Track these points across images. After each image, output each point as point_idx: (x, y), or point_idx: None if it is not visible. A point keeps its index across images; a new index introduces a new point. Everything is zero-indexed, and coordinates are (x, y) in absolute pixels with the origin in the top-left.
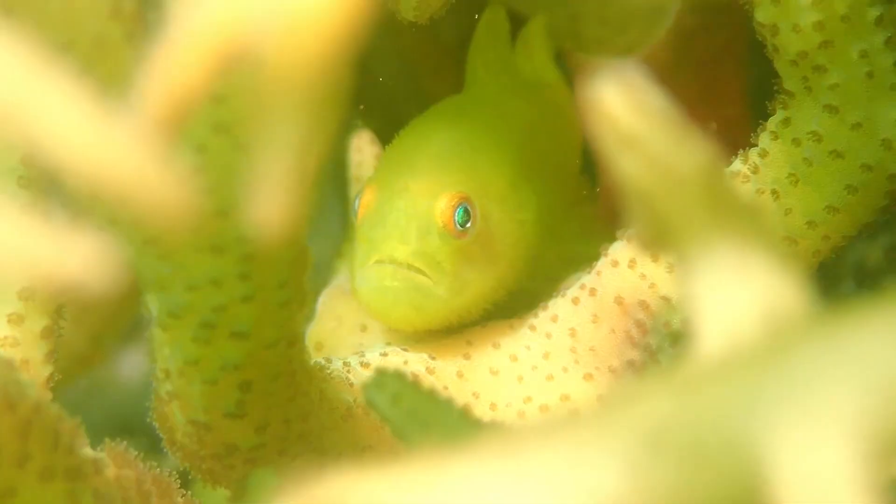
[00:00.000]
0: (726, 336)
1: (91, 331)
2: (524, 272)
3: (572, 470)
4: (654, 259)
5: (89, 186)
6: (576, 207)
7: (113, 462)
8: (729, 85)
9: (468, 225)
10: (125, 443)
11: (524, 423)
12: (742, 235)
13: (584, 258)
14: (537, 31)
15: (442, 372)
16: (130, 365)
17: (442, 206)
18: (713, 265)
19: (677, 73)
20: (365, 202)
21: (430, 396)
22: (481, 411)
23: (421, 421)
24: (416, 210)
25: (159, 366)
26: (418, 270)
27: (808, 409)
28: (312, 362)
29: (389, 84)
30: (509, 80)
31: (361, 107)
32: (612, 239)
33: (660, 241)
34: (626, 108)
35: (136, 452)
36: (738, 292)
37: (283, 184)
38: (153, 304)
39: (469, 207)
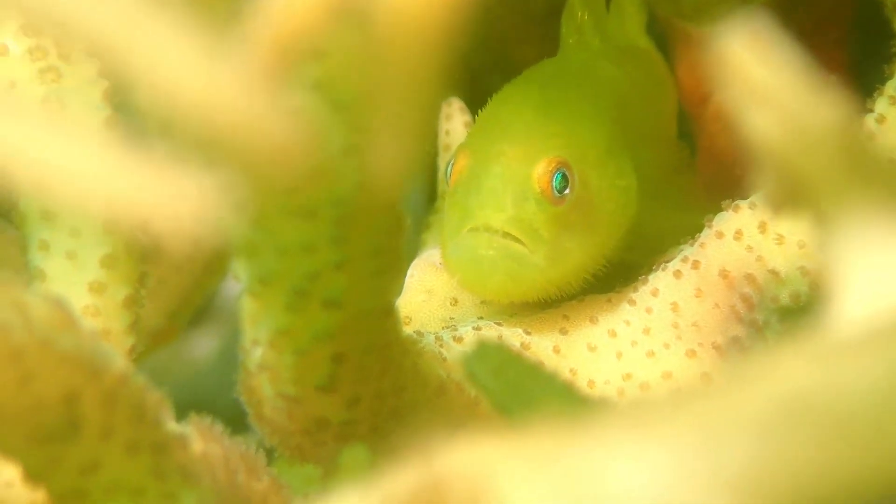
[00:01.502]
0: (871, 304)
1: (166, 306)
2: (623, 241)
3: (705, 443)
4: (763, 230)
5: (187, 132)
6: (675, 175)
7: (200, 437)
8: (832, 54)
9: (566, 191)
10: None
11: (646, 397)
12: (884, 198)
13: (686, 228)
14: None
15: (537, 347)
16: (202, 345)
17: (539, 172)
18: (855, 228)
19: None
20: (458, 168)
21: (534, 369)
22: (579, 388)
23: (524, 395)
24: (513, 175)
25: (248, 336)
26: (515, 238)
27: None
28: (405, 335)
29: (477, 53)
30: (603, 45)
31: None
32: (713, 208)
33: (794, 201)
34: (757, 62)
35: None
36: (883, 258)
37: (382, 147)
38: (243, 271)
39: (567, 173)
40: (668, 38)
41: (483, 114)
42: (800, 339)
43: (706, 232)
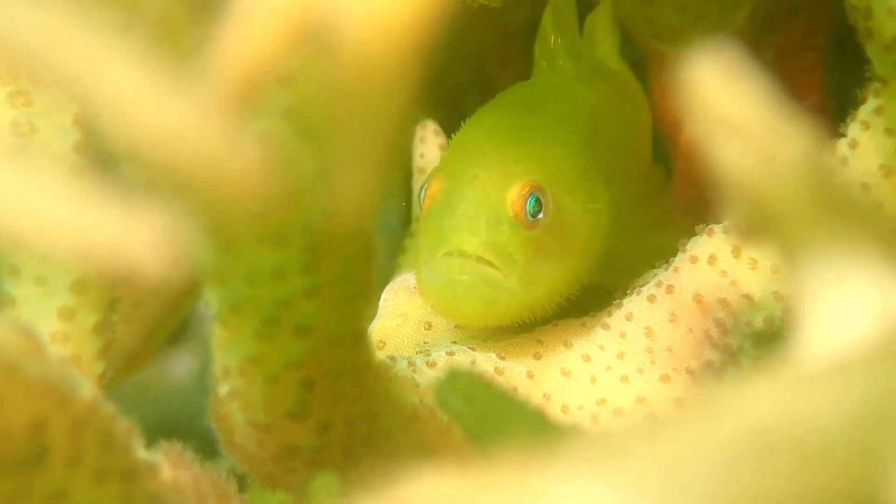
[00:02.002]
0: (837, 336)
1: (141, 328)
2: (598, 265)
3: (670, 476)
4: (737, 254)
5: (151, 165)
6: (650, 198)
7: (169, 464)
8: (810, 76)
9: (540, 215)
10: (180, 445)
11: (612, 426)
12: (851, 229)
13: (660, 251)
14: (604, 17)
15: (511, 372)
16: (179, 365)
17: (513, 196)
18: (821, 260)
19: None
20: (432, 192)
21: (505, 397)
22: (552, 414)
23: (495, 422)
24: (487, 200)
25: (218, 363)
26: (489, 263)
27: None
28: (378, 361)
29: (454, 73)
30: (577, 68)
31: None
32: (688, 231)
33: (760, 232)
34: (724, 90)
35: (192, 455)
36: (848, 290)
37: (352, 173)
38: (213, 299)
39: (541, 196)
40: (643, 60)
41: (456, 138)
42: (766, 369)
43: (680, 256)
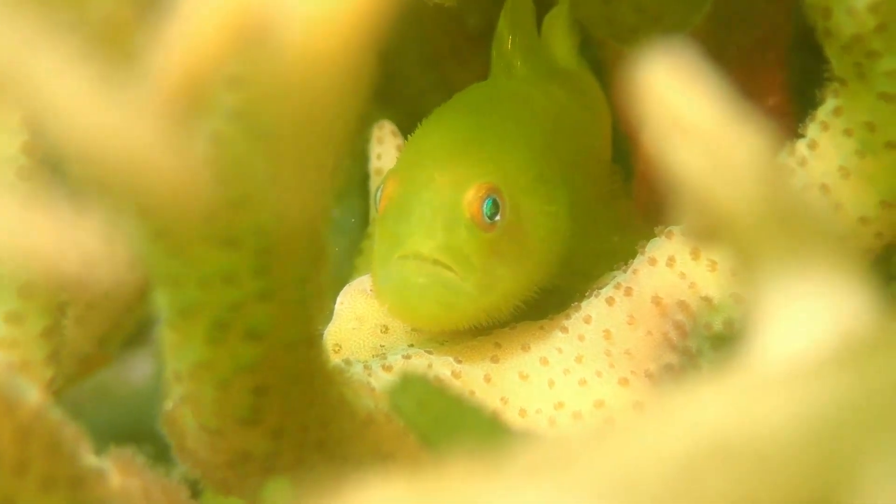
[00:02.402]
0: (790, 343)
1: (95, 331)
2: (556, 267)
3: (622, 483)
4: (696, 256)
5: (95, 170)
6: (609, 200)
7: (118, 470)
8: (771, 75)
9: (497, 217)
10: (131, 450)
11: (562, 432)
12: (804, 233)
13: (619, 253)
14: (561, 18)
15: (468, 376)
16: (137, 369)
17: (469, 198)
18: (774, 265)
19: (715, 63)
20: (387, 194)
21: (459, 402)
22: (510, 418)
23: (449, 428)
24: (443, 202)
25: (169, 368)
26: (445, 266)
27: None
28: (331, 365)
29: (411, 73)
30: (535, 68)
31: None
32: (647, 233)
33: (711, 235)
34: (676, 91)
35: (143, 460)
36: (801, 297)
37: (302, 175)
38: (163, 303)
39: (497, 199)
40: (604, 60)
41: (412, 139)
42: (721, 375)
43: (639, 258)
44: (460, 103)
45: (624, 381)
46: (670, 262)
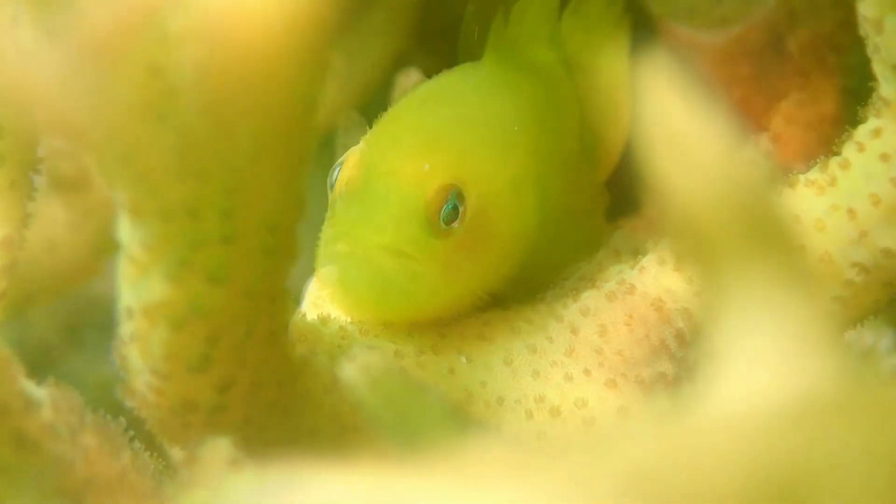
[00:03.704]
0: (742, 385)
1: (88, 241)
2: (512, 278)
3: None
4: (681, 268)
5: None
6: (586, 216)
7: (52, 404)
8: (828, 78)
9: (455, 223)
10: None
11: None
12: (776, 266)
13: (587, 272)
14: (534, 7)
15: (450, 352)
16: None
17: (429, 198)
18: (745, 297)
19: (773, 57)
20: (345, 176)
21: (415, 387)
22: (485, 404)
23: (400, 412)
24: (401, 197)
25: (122, 302)
26: (392, 264)
27: None
28: (303, 321)
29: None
30: (541, 57)
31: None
32: (622, 258)
33: (687, 250)
34: (678, 102)
35: (105, 395)
36: (763, 337)
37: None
38: (125, 232)
39: (459, 202)
40: (656, 37)
41: (383, 119)
42: (665, 412)
43: (649, 256)
44: (443, 86)
45: (611, 384)
46: (680, 266)
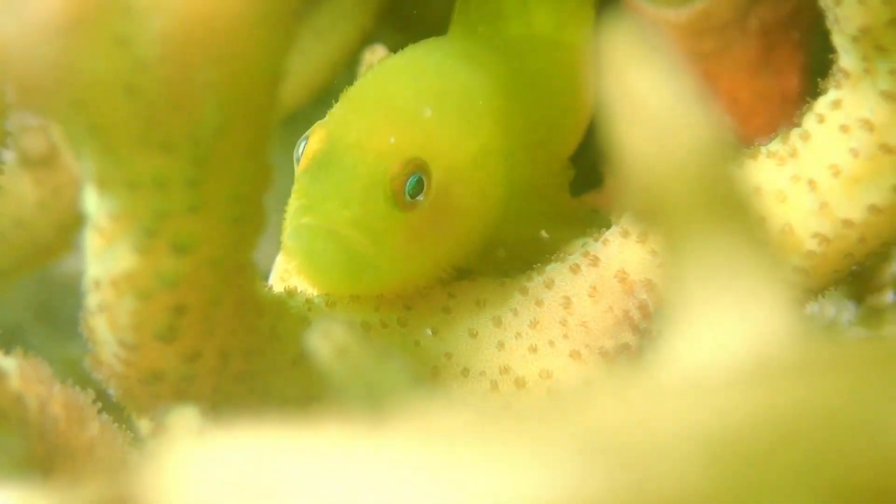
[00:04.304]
0: (701, 350)
1: (57, 218)
2: (479, 250)
3: (497, 473)
4: (644, 240)
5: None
6: (552, 189)
7: (21, 375)
8: (792, 54)
9: (420, 196)
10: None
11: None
12: (738, 237)
13: (554, 244)
14: None
15: (415, 325)
16: None
17: (394, 172)
18: (702, 263)
19: (737, 32)
20: (310, 150)
21: (380, 356)
22: (450, 375)
23: (364, 381)
24: (365, 172)
25: (89, 273)
26: (355, 238)
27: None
28: (270, 293)
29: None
30: (499, 33)
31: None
32: (587, 230)
33: (648, 220)
34: (639, 69)
35: (73, 371)
36: (723, 304)
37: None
38: (92, 204)
39: (423, 177)
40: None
41: (349, 91)
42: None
43: (613, 229)
44: (409, 61)
45: (576, 355)
46: (642, 237)
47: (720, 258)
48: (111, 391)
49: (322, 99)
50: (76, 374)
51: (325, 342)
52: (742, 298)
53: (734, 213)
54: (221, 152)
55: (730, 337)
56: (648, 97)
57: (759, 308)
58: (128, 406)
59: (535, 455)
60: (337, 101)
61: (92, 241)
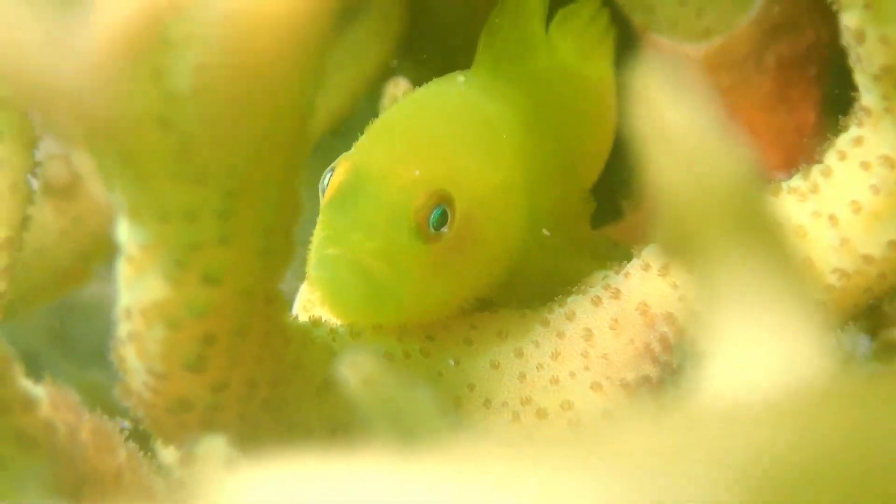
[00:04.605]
0: (737, 380)
1: (78, 247)
2: (501, 282)
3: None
4: (666, 273)
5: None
6: (573, 221)
7: (50, 402)
8: (808, 89)
9: (444, 228)
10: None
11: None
12: (773, 269)
13: (574, 277)
14: (585, 12)
15: (438, 355)
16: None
17: (418, 204)
18: (734, 293)
19: (753, 68)
20: (336, 181)
21: (408, 387)
22: (473, 406)
23: (392, 411)
24: (391, 203)
25: (121, 303)
26: (380, 269)
27: None
28: (295, 323)
29: (447, 31)
30: (525, 67)
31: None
32: (607, 263)
33: (680, 249)
34: (669, 101)
35: (91, 398)
36: (752, 331)
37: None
38: (123, 234)
39: (448, 209)
40: (640, 49)
41: (375, 124)
42: (660, 407)
43: (634, 262)
44: (434, 94)
45: (597, 386)
46: (664, 271)
47: (752, 287)
48: (140, 419)
49: (342, 129)
50: (94, 403)
51: (354, 372)
52: (775, 328)
53: (766, 242)
54: (252, 185)
55: (764, 366)
56: (679, 128)
57: (792, 338)
58: (155, 434)
59: (573, 480)
60: (358, 132)
61: (123, 271)
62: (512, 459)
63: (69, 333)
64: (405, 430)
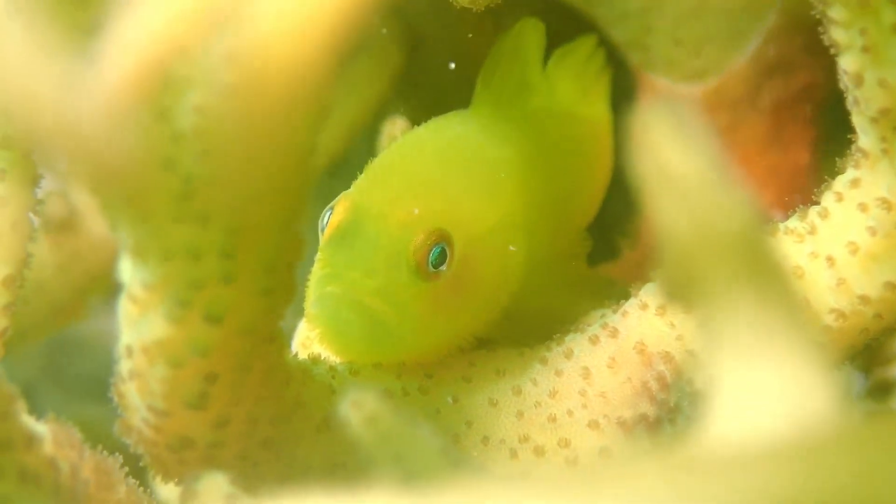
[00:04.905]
0: (736, 422)
1: (75, 282)
2: (496, 322)
3: None
4: (663, 313)
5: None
6: (570, 259)
7: (53, 439)
8: (803, 130)
9: (443, 267)
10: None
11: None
12: (775, 310)
13: (571, 315)
14: (580, 55)
15: (436, 393)
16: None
17: (417, 243)
18: (738, 337)
19: (749, 108)
20: (335, 220)
21: (410, 425)
22: (471, 443)
23: (394, 449)
24: (389, 242)
25: (123, 341)
26: (380, 308)
27: None
28: (295, 361)
29: (439, 70)
30: (522, 107)
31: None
32: (605, 302)
33: (681, 291)
34: (673, 145)
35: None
36: (756, 375)
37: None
38: (126, 273)
39: (447, 248)
40: (635, 89)
41: (373, 163)
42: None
43: (631, 301)
44: (432, 133)
45: (594, 425)
46: (661, 310)
47: (756, 327)
48: (140, 455)
49: (337, 167)
50: (89, 438)
51: (356, 410)
52: (780, 369)
53: (768, 284)
54: (255, 224)
55: (770, 408)
56: (680, 170)
57: (797, 379)
58: (156, 471)
59: None
60: (356, 170)
61: (126, 309)
62: (510, 497)
63: (65, 368)
64: (407, 469)
